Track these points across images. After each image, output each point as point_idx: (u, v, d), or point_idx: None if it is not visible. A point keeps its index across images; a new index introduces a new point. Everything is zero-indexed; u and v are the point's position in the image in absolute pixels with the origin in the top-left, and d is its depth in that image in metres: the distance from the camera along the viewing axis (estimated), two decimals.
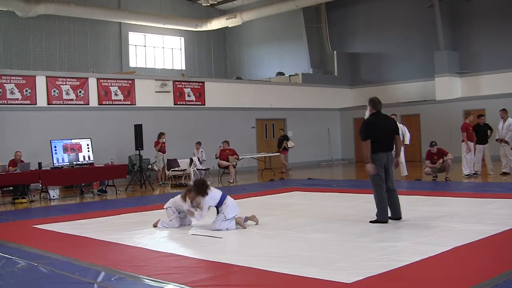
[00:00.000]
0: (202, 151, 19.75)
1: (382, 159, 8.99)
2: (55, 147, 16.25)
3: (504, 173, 16.69)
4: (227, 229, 8.91)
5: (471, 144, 16.58)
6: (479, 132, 16.98)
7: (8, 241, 8.81)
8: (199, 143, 19.83)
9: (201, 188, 9.10)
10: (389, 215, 9.04)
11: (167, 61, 31.27)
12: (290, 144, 21.81)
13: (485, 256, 6.68)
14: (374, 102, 9.35)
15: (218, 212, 9.22)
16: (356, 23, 29.19)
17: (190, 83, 23.44)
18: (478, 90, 24.47)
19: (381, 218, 8.92)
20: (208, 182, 9.47)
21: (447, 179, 15.61)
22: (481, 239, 7.40)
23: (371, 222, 9.00)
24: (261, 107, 25.67)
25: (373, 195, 9.17)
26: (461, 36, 25.19)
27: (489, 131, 17.12)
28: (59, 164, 16.21)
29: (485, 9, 24.41)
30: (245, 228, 9.08)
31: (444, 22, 24.98)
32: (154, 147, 19.53)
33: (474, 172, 16.78)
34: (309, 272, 5.96)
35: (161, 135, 19.58)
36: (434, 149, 15.73)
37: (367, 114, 9.46)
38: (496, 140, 17.05)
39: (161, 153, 19.59)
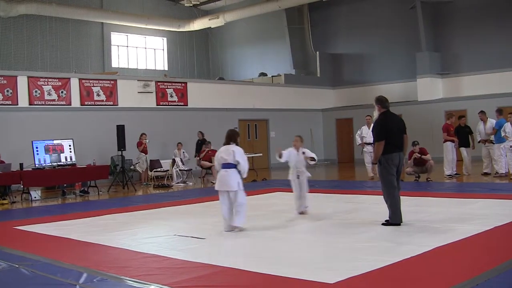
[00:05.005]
0: (183, 152, 19.74)
1: (396, 159, 8.78)
2: (36, 147, 16.16)
3: (485, 174, 16.82)
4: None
5: (453, 145, 16.70)
6: (460, 133, 17.08)
7: None
8: (180, 144, 19.81)
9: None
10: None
11: (150, 61, 31.17)
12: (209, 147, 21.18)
13: (467, 256, 6.74)
14: (382, 101, 9.05)
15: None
16: (338, 24, 29.29)
17: (173, 84, 23.39)
18: (459, 91, 24.65)
19: (394, 221, 8.69)
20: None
21: (429, 179, 15.72)
22: (462, 239, 7.46)
23: (383, 224, 8.76)
24: (244, 107, 25.67)
25: (382, 196, 8.97)
26: (442, 38, 25.37)
27: (469, 135, 17.24)
28: (41, 165, 16.12)
29: (466, 11, 24.59)
30: None
31: (426, 24, 25.15)
32: (137, 147, 19.47)
33: (455, 172, 16.91)
34: (291, 273, 5.97)
35: (143, 135, 19.54)
36: (416, 148, 15.84)
37: (376, 114, 9.20)
38: (479, 142, 17.16)
39: (144, 154, 19.54)
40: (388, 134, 8.76)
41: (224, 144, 9.08)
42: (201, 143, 20.43)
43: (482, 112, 17.17)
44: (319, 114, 28.96)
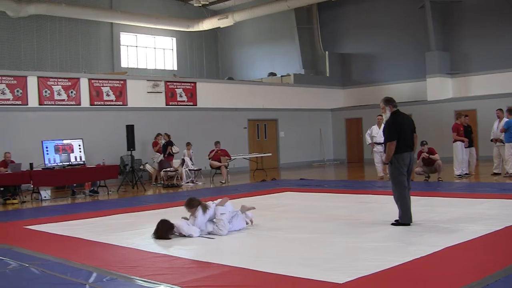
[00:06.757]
0: (191, 152, 19.70)
1: (407, 158, 8.78)
2: (46, 147, 16.22)
3: (495, 173, 16.74)
4: (239, 229, 8.82)
5: (462, 145, 16.61)
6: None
7: None
8: (190, 144, 19.81)
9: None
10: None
11: (159, 61, 31.21)
12: (174, 149, 20.82)
13: (477, 256, 6.71)
14: (392, 101, 9.03)
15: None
16: (347, 24, 29.24)
17: (182, 84, 23.42)
18: (469, 91, 24.56)
19: (404, 221, 8.68)
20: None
21: (440, 179, 15.67)
22: (472, 239, 7.44)
23: (393, 224, 8.75)
24: (253, 107, 25.67)
25: (392, 196, 8.96)
26: (452, 37, 25.27)
27: (470, 135, 17.15)
28: (51, 164, 16.18)
29: (475, 10, 24.49)
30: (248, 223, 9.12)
31: (435, 23, 25.06)
32: (153, 147, 19.54)
33: (466, 172, 16.83)
34: (300, 272, 5.97)
35: (159, 136, 19.58)
36: (425, 148, 15.80)
37: (388, 114, 9.06)
38: (491, 140, 17.07)
39: (159, 154, 19.55)
40: (400, 134, 8.75)
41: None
42: (167, 145, 20.16)
43: (500, 109, 17.05)
44: (328, 114, 28.93)
